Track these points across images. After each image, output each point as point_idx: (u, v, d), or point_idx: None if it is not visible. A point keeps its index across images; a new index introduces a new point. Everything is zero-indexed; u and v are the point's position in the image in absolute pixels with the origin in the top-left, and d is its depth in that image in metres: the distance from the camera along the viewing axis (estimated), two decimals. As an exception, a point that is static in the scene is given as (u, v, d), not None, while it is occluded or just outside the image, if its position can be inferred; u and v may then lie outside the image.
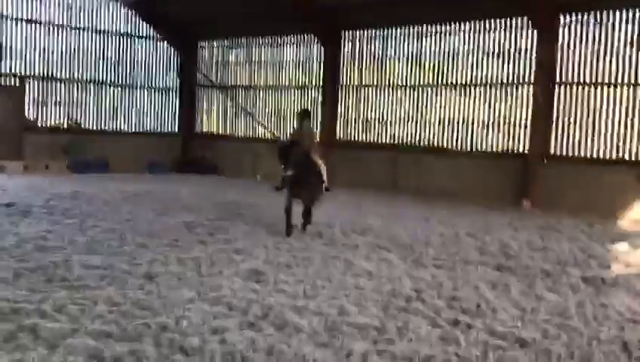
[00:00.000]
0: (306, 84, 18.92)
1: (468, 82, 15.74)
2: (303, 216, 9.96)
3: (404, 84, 16.91)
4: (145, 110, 20.70)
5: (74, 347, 4.71)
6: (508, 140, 15.19)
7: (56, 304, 5.69)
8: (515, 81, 15.03)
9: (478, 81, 15.57)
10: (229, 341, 5.00)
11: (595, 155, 13.88)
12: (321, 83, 18.34)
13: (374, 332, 5.44)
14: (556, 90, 14.35)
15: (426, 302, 6.41)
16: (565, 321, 6.01)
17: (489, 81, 15.42)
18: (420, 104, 16.62)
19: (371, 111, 17.56)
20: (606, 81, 13.71)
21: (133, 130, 20.39)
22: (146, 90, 20.63)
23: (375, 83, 17.48)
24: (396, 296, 6.63)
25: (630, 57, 13.38)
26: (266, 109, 19.83)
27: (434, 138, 16.34)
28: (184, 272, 7.17)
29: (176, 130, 21.28)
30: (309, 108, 16.61)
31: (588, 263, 8.62)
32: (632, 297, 6.97)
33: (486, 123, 15.50)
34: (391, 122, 17.17)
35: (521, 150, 14.89)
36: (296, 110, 19.04)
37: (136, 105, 20.54)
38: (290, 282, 6.92)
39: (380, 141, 17.25)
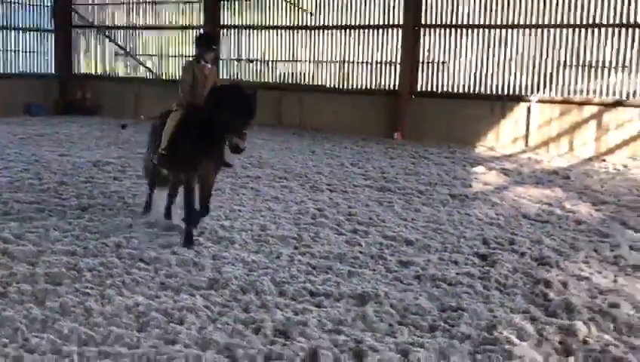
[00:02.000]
0: (187, 24, 19.39)
1: (343, 24, 17.00)
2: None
3: (284, 25, 17.92)
4: (19, 51, 20.28)
5: (51, 263, 5.62)
6: (380, 79, 16.73)
7: (14, 232, 6.48)
8: (386, 23, 16.48)
9: (353, 23, 16.88)
10: (179, 252, 6.09)
11: (455, 90, 15.74)
12: (202, 24, 18.91)
13: (294, 241, 6.72)
14: (422, 31, 15.97)
15: (328, 218, 7.75)
16: (439, 226, 7.58)
17: (362, 24, 16.78)
18: (298, 45, 17.73)
19: (252, 51, 18.46)
20: (465, 23, 15.47)
21: (8, 72, 19.98)
22: (20, 32, 20.17)
23: (255, 24, 18.34)
24: (303, 214, 7.92)
25: (486, 2, 15.16)
26: (147, 50, 20.13)
27: (314, 77, 17.60)
28: (112, 204, 8.05)
29: (53, 71, 21.05)
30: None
31: (453, 183, 10.32)
32: (489, 207, 8.69)
33: (360, 63, 16.91)
34: (272, 62, 18.19)
35: (392, 87, 16.48)
36: (179, 51, 19.60)
37: (10, 47, 20.08)
38: (211, 208, 8.00)
39: (263, 80, 18.25)
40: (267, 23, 18.20)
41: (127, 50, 20.25)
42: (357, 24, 16.87)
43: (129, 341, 4.27)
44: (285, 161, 11.81)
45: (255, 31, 18.39)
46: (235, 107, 6.09)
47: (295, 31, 17.79)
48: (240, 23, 18.60)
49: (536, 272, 5.91)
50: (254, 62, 18.48)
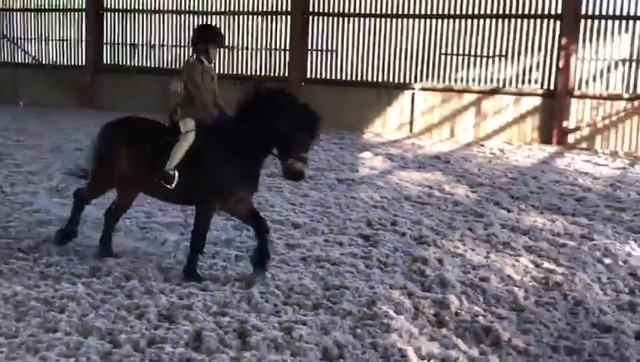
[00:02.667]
0: (70, 7, 18.63)
1: (231, 10, 16.91)
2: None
3: (169, 9, 17.58)
4: None
5: None
6: (269, 66, 16.78)
7: None
8: (274, 10, 16.55)
9: (241, 9, 16.82)
10: (63, 243, 5.95)
11: (344, 78, 16.05)
12: (84, 6, 18.23)
13: (180, 228, 6.71)
14: (310, 19, 16.17)
15: (216, 203, 7.76)
16: (326, 210, 7.79)
17: (250, 10, 16.76)
18: (185, 30, 17.45)
19: (137, 36, 18.00)
20: (353, 11, 15.79)
21: None
22: None
23: (141, 7, 17.89)
24: (191, 200, 7.89)
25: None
26: (29, 34, 19.17)
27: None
28: (-11, 193, 7.72)
29: None
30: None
31: (341, 168, 10.60)
32: (374, 191, 9.01)
33: (249, 49, 16.89)
34: (157, 47, 17.83)
35: (281, 75, 16.58)
36: (62, 35, 18.77)
37: None
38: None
39: (148, 65, 17.84)
40: (154, 7, 17.81)
41: (4, 33, 19.21)
42: (245, 10, 16.83)
43: (6, 330, 4.17)
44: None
45: (140, 14, 17.94)
46: (294, 121, 5.07)
47: (182, 15, 17.52)
48: (124, 7, 18.09)
49: (414, 250, 6.22)
50: (138, 47, 18.03)
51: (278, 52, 16.62)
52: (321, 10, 16.10)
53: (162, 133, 5.47)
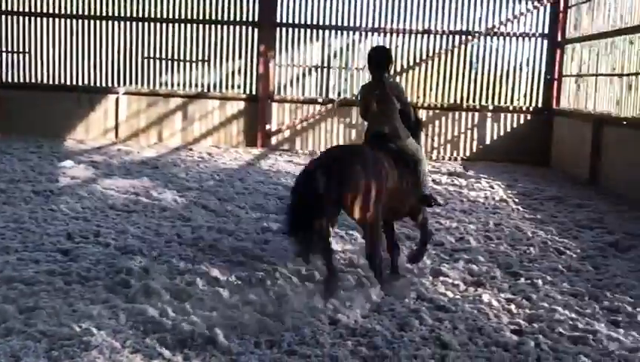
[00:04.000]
0: None
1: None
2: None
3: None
4: None
5: None
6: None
7: None
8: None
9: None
10: None
11: (40, 82, 14.98)
12: None
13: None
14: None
15: None
16: (20, 226, 7.17)
17: None
18: None
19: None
20: (45, 11, 14.80)
21: None
22: None
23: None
24: None
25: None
26: None
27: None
28: None
29: None
30: None
31: (38, 179, 9.87)
32: (75, 201, 8.53)
33: None
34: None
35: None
36: None
37: None
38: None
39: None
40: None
41: None
42: None
43: None
44: None
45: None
46: None
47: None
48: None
49: (118, 261, 6.01)
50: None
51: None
52: (9, 9, 14.83)
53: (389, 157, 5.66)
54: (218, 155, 13.15)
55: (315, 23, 14.70)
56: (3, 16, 14.87)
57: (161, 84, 14.98)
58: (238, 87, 14.97)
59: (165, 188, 9.70)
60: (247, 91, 14.84)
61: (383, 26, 14.57)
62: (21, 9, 14.86)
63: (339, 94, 14.93)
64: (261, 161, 12.80)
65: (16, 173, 10.24)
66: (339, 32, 14.74)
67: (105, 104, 14.73)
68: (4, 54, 14.96)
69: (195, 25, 14.82)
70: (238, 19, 14.81)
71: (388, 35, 14.55)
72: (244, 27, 14.78)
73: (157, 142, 14.48)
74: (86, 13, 14.87)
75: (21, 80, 15.05)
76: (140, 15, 14.86)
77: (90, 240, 6.73)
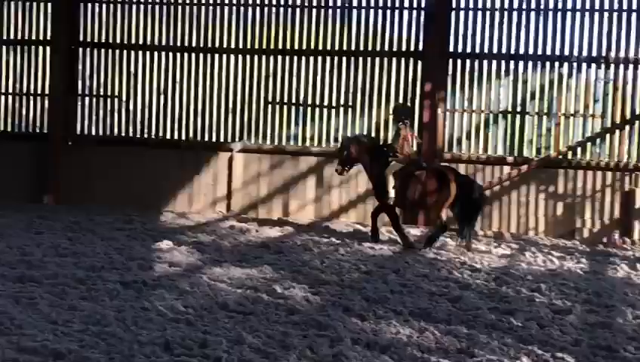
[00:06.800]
0: None
1: None
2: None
3: None
4: None
5: None
6: (22, 116, 16.35)
7: None
8: (27, 39, 16.30)
9: None
10: None
11: (130, 135, 15.96)
12: None
13: None
14: (80, 51, 16.05)
15: None
16: (104, 329, 7.53)
17: None
18: None
19: None
20: (135, 42, 15.91)
21: None
22: None
23: None
24: None
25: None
26: None
27: None
28: None
29: None
30: None
31: (127, 266, 10.36)
32: (175, 297, 8.87)
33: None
34: None
35: (38, 129, 16.21)
36: None
37: None
38: None
39: None
40: None
41: None
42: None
43: None
44: None
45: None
46: None
47: None
48: None
49: (233, 385, 6.14)
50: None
51: (32, 97, 16.26)
52: (88, 40, 16.10)
53: None
54: (364, 236, 13.24)
55: (503, 51, 14.69)
56: (80, 49, 16.08)
57: (288, 138, 15.44)
58: (394, 141, 15.15)
59: (293, 281, 9.86)
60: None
61: (603, 54, 14.33)
62: (102, 39, 16.09)
63: (538, 151, 14.72)
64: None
65: (98, 256, 10.82)
66: (539, 62, 14.63)
67: (214, 165, 15.35)
68: (81, 98, 16.13)
69: (334, 58, 15.28)
70: (393, 48, 15.12)
71: (612, 66, 14.29)
72: (402, 59, 15.06)
73: (282, 217, 14.82)
74: (193, 44, 15.76)
75: (102, 132, 16.12)
76: (263, 47, 15.51)
77: (195, 352, 6.92)
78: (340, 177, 14.84)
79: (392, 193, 12.65)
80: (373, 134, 14.99)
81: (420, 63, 14.93)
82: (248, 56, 15.59)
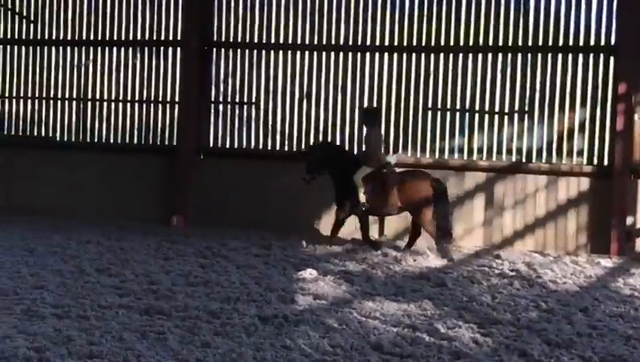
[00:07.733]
0: None
1: (84, 38, 17.09)
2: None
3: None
4: None
5: None
6: (149, 128, 16.88)
7: None
8: (156, 39, 16.80)
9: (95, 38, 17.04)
10: None
11: (269, 147, 16.26)
12: None
13: None
14: (214, 52, 16.43)
15: (52, 365, 7.56)
16: (242, 371, 7.66)
17: (125, 38, 16.99)
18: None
19: None
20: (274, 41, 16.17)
21: None
22: None
23: None
24: (8, 359, 7.66)
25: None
26: None
27: (36, 122, 17.40)
28: None
29: None
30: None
31: (266, 298, 10.49)
32: (321, 335, 8.91)
33: (115, 101, 17.00)
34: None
35: (167, 142, 16.67)
36: None
37: None
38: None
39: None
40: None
41: None
42: (105, 38, 17.04)
43: None
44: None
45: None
46: None
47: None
48: None
49: None
50: None
51: (159, 105, 16.74)
52: (230, 40, 16.46)
53: None
54: (544, 268, 13.00)
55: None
56: (214, 49, 16.49)
57: (452, 150, 15.35)
58: (579, 153, 14.82)
59: (459, 319, 9.75)
60: (594, 161, 14.62)
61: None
62: (244, 39, 16.46)
63: None
64: (619, 280, 12.39)
65: (233, 287, 11.00)
66: None
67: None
68: (214, 105, 16.51)
69: (507, 55, 15.09)
70: (579, 43, 14.83)
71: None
72: (590, 56, 14.75)
73: (444, 244, 14.75)
74: (341, 42, 15.91)
75: (237, 144, 16.50)
76: (422, 44, 15.51)
77: (346, 402, 6.95)
78: (513, 196, 14.67)
79: (362, 198, 13.96)
80: (554, 144, 14.78)
81: (610, 60, 14.56)
82: (405, 55, 15.58)
